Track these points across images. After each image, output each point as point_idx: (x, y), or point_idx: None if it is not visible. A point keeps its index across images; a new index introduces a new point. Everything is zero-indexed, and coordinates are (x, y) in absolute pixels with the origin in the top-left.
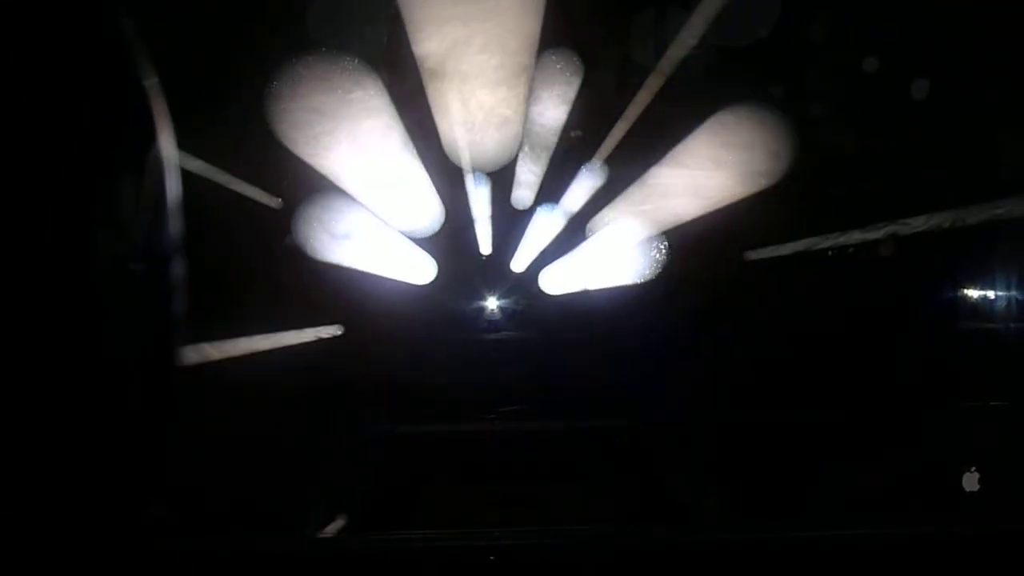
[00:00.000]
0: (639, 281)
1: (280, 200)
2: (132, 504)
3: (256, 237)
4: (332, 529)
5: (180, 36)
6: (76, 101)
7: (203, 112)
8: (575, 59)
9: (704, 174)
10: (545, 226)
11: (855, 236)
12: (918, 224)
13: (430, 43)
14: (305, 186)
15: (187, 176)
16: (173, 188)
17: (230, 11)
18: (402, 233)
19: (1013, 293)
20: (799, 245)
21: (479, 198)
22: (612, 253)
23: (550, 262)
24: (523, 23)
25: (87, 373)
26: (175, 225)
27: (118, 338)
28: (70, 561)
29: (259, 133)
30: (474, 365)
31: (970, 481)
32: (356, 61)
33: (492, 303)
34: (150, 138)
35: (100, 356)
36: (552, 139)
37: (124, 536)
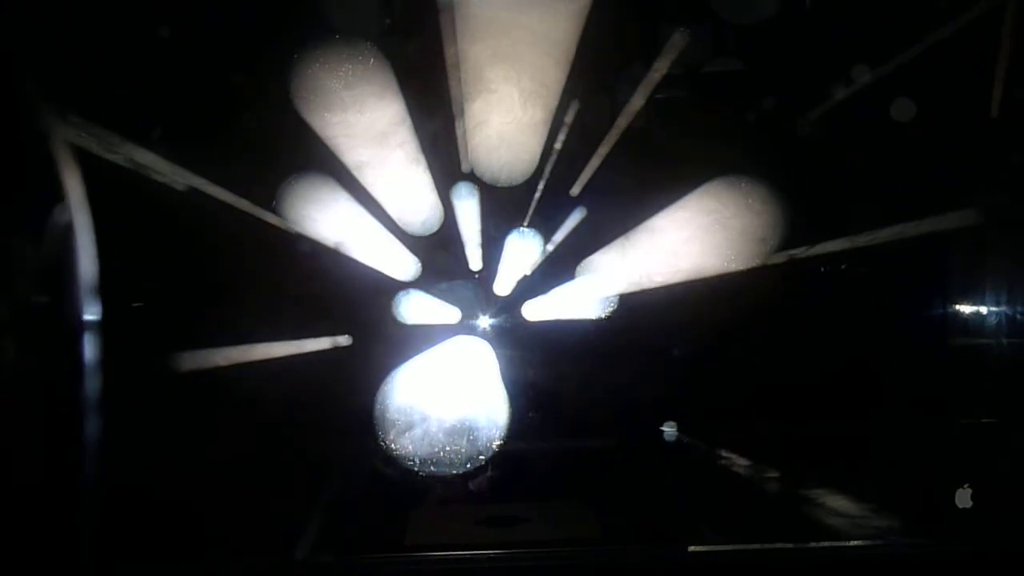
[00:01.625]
0: (631, 294)
1: (276, 206)
2: None
3: (247, 242)
4: (317, 551)
5: (178, 35)
6: None
7: (201, 115)
8: (607, 77)
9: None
10: (543, 244)
11: (845, 245)
12: (911, 231)
13: (456, 48)
14: (300, 187)
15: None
16: (84, 255)
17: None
18: (399, 242)
19: (1004, 308)
20: (789, 255)
21: (477, 212)
22: (608, 275)
23: (543, 280)
24: (558, 36)
25: None
26: (84, 297)
27: (13, 428)
28: None
29: (261, 139)
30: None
31: (963, 498)
32: (371, 59)
33: (483, 321)
34: (51, 199)
35: None
36: (571, 157)
37: None
